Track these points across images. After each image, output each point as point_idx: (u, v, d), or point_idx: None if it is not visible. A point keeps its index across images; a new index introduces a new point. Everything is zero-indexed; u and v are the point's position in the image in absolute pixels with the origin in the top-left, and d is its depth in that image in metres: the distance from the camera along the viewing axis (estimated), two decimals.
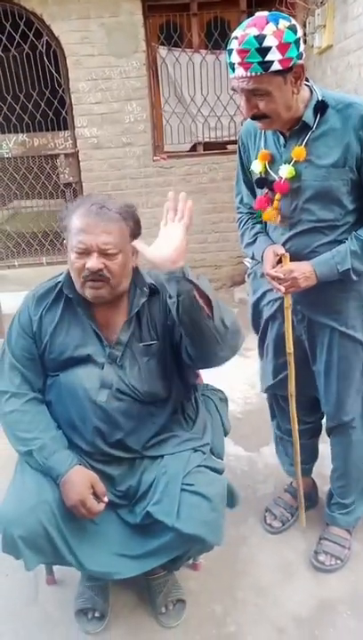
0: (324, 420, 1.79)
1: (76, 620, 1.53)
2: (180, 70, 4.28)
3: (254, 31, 1.22)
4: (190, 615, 1.55)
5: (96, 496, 1.30)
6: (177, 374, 1.45)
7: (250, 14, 4.19)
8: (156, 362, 1.37)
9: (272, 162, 1.46)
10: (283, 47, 1.22)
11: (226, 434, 1.59)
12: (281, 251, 1.47)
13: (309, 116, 1.36)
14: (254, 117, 1.35)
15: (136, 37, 4.08)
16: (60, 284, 1.38)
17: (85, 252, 1.26)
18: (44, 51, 4.08)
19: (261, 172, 1.48)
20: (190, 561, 1.61)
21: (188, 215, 1.21)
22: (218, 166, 4.42)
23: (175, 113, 4.37)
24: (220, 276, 4.72)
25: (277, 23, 1.22)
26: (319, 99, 1.36)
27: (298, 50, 1.25)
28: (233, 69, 1.27)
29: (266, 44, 1.21)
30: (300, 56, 1.26)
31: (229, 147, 4.46)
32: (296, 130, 1.39)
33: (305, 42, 1.46)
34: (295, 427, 1.69)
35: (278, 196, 1.44)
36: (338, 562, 1.69)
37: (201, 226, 4.54)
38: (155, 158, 4.39)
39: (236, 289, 4.59)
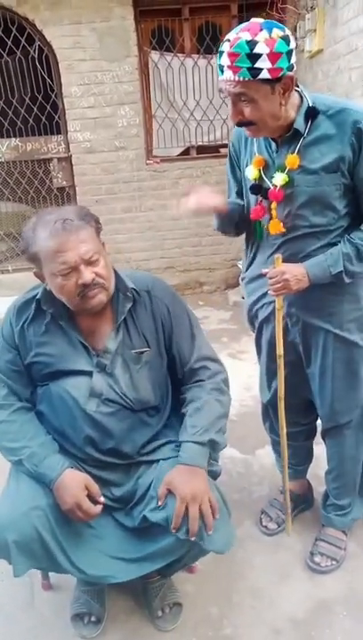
0: (319, 422, 1.80)
1: (73, 625, 1.53)
2: (172, 75, 4.30)
3: (247, 36, 1.22)
4: (187, 618, 1.55)
5: (91, 499, 1.29)
6: (170, 381, 1.45)
7: (241, 19, 4.25)
8: (148, 369, 1.37)
9: (265, 168, 1.46)
10: (273, 56, 1.22)
11: None
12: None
13: (300, 123, 1.36)
14: (239, 124, 1.35)
15: (128, 42, 4.10)
16: (37, 301, 1.35)
17: (72, 270, 1.24)
18: (36, 56, 4.09)
19: (255, 179, 1.47)
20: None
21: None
22: (211, 170, 4.44)
23: (168, 117, 4.39)
24: (214, 279, 4.74)
25: (270, 32, 1.22)
26: (310, 104, 1.36)
27: (289, 61, 1.25)
28: (222, 71, 1.28)
29: (257, 50, 1.21)
30: (290, 68, 1.26)
31: (222, 150, 4.49)
32: (288, 137, 1.39)
33: (298, 49, 1.42)
34: (284, 431, 1.70)
35: (274, 204, 1.43)
36: (334, 563, 1.69)
37: (195, 229, 4.55)
38: (148, 162, 4.41)
39: (230, 292, 4.61)
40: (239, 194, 1.63)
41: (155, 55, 4.25)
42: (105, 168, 4.36)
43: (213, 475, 1.40)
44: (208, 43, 4.24)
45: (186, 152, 4.55)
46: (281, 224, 1.43)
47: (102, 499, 1.31)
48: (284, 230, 1.44)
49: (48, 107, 4.26)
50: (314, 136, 1.37)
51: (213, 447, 1.36)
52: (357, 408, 1.63)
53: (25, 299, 1.39)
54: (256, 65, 1.22)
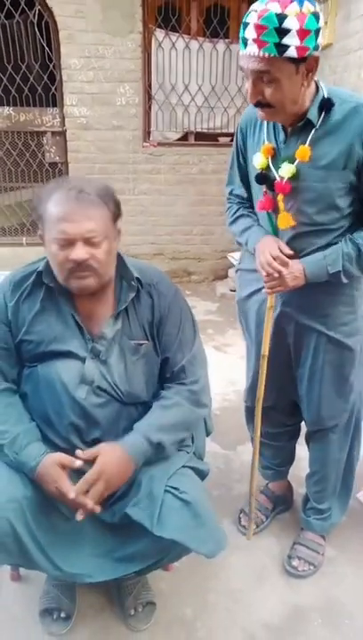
0: (303, 423, 1.76)
1: (40, 621, 1.47)
2: (176, 56, 4.16)
3: (277, 8, 1.13)
4: (160, 618, 1.50)
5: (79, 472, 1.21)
6: (160, 379, 1.38)
7: (250, 3, 4.13)
8: (144, 363, 1.31)
9: (273, 157, 1.39)
10: (303, 33, 1.13)
11: (208, 434, 1.54)
12: (287, 250, 1.39)
13: (313, 114, 1.29)
14: (257, 104, 1.27)
15: (133, 17, 3.95)
16: (39, 273, 1.28)
17: (69, 243, 1.17)
18: (35, 22, 3.91)
19: (262, 168, 1.40)
20: None
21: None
22: (208, 158, 4.35)
23: (168, 100, 4.27)
24: (203, 270, 4.67)
25: (301, 5, 1.14)
26: (325, 96, 1.29)
27: (316, 40, 1.17)
28: (245, 45, 1.18)
29: (286, 25, 1.13)
30: (317, 48, 1.18)
31: (221, 139, 4.39)
32: (299, 126, 1.32)
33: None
34: (258, 432, 1.66)
35: (280, 196, 1.37)
36: (311, 568, 1.66)
37: (187, 217, 4.47)
38: (145, 144, 4.29)
39: (218, 283, 4.55)
40: (244, 182, 1.57)
41: (159, 34, 4.11)
42: (100, 147, 4.22)
43: (201, 475, 1.35)
44: (216, 26, 4.11)
45: (184, 138, 4.43)
46: (291, 217, 1.37)
47: (78, 462, 1.21)
48: (294, 224, 1.37)
49: (45, 77, 4.09)
50: (326, 129, 1.30)
51: (158, 450, 1.26)
52: (344, 412, 1.60)
53: (23, 273, 1.31)
54: (284, 41, 1.14)
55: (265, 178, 1.40)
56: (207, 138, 4.42)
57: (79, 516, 1.17)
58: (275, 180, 1.37)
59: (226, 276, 4.52)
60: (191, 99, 4.28)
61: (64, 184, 1.20)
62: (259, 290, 1.53)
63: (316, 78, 1.31)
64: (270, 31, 1.13)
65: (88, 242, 1.17)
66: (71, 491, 1.16)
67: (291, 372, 1.61)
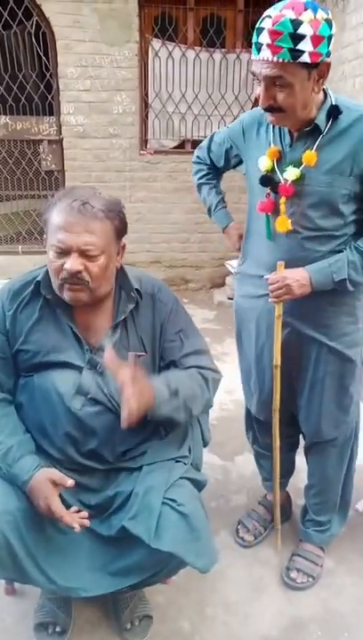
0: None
1: (35, 635, 1.44)
2: (172, 65, 4.19)
3: (291, 14, 1.15)
4: (157, 632, 1.48)
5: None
6: None
7: (247, 14, 4.17)
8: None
9: (278, 161, 1.40)
10: (316, 39, 1.16)
11: (205, 444, 1.53)
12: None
13: (321, 120, 1.31)
14: (268, 109, 1.28)
15: (130, 27, 3.98)
16: (37, 283, 1.28)
17: (65, 252, 1.17)
18: (33, 32, 3.93)
19: (267, 170, 1.41)
20: None
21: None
22: None
23: (164, 109, 4.29)
24: (200, 277, 4.67)
25: (315, 12, 1.16)
26: (333, 103, 1.32)
27: (328, 47, 1.19)
28: (258, 50, 1.19)
29: (301, 31, 1.14)
30: (328, 54, 1.20)
31: None
32: (306, 131, 1.34)
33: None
34: (277, 444, 1.64)
35: (282, 199, 1.37)
36: (310, 579, 1.65)
37: (184, 225, 4.47)
38: (141, 152, 4.30)
39: (215, 291, 4.55)
40: (220, 157, 1.67)
41: (156, 43, 4.14)
42: (97, 155, 4.23)
43: (199, 486, 1.33)
44: (212, 35, 4.14)
45: (180, 146, 4.45)
46: (289, 221, 1.37)
47: (70, 482, 1.20)
48: (291, 229, 1.37)
49: (42, 86, 4.11)
50: (332, 135, 1.32)
51: (174, 397, 1.22)
52: (344, 425, 1.59)
53: (22, 281, 1.31)
54: (298, 47, 1.15)
55: (270, 180, 1.41)
56: None
57: (78, 528, 1.16)
58: (279, 182, 1.38)
59: (223, 284, 4.52)
60: (188, 107, 4.30)
61: (72, 193, 1.20)
62: (261, 296, 1.52)
63: (325, 86, 1.33)
64: (285, 37, 1.15)
65: (84, 254, 1.17)
66: (60, 511, 1.16)
67: (291, 384, 1.60)
